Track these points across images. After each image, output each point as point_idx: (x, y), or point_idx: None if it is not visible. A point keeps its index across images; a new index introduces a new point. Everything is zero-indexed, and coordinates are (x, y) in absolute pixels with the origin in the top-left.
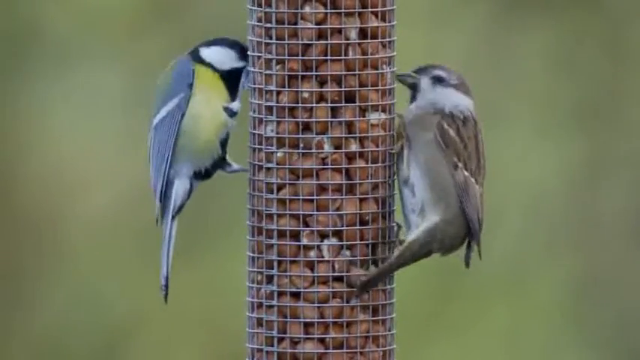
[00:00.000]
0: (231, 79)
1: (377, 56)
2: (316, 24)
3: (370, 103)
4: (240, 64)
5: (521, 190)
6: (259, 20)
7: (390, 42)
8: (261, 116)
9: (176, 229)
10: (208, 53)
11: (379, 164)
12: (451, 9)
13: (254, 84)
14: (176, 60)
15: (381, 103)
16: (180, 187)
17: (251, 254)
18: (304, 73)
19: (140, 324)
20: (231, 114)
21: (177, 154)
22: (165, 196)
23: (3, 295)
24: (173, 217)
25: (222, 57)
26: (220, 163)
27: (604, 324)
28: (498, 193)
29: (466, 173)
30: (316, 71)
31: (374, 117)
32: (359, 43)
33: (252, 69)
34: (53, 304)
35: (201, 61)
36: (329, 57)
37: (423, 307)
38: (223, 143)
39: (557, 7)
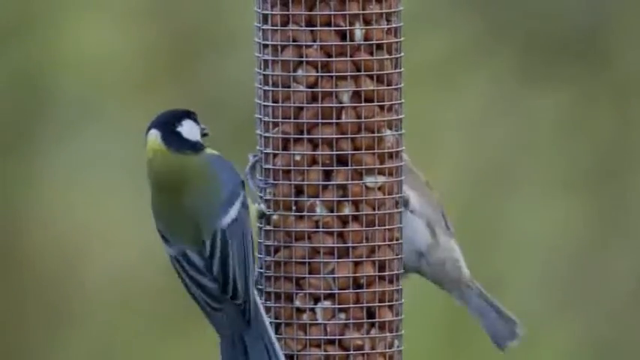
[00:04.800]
0: None
1: (373, 120)
2: (308, 87)
3: (365, 167)
4: None
5: (531, 250)
6: (259, 83)
7: (391, 105)
8: (261, 179)
9: None
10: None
11: (376, 227)
12: (462, 69)
13: (259, 146)
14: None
15: (378, 166)
16: None
17: None
18: (297, 136)
19: None
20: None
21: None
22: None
23: (15, 355)
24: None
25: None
26: None
27: None
28: (508, 252)
29: None
30: (308, 134)
31: (370, 180)
32: (353, 107)
33: (257, 131)
34: None
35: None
36: (320, 120)
37: None
38: None
39: (569, 68)
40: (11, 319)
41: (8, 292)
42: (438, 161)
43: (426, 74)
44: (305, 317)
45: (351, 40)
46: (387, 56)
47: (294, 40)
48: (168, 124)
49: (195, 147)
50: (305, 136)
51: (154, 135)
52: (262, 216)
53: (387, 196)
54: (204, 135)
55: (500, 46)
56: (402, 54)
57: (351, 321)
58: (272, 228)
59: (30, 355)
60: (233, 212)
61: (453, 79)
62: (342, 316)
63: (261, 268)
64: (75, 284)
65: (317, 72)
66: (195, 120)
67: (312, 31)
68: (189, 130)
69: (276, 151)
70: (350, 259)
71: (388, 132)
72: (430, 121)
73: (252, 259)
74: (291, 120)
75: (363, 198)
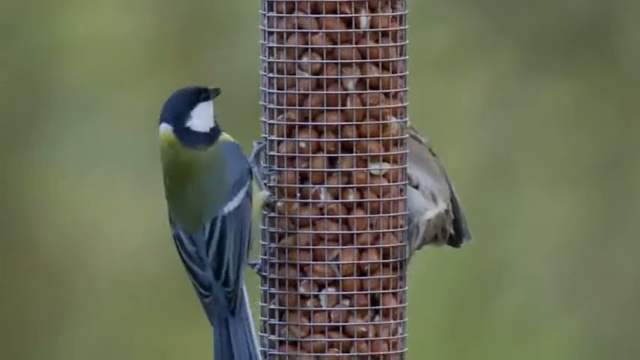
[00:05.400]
0: None
1: (378, 107)
2: (313, 74)
3: (370, 154)
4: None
5: (535, 245)
6: (264, 70)
7: (396, 93)
8: (265, 165)
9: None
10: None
11: (381, 214)
12: (465, 62)
13: (263, 134)
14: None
15: (383, 153)
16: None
17: (261, 304)
18: (302, 123)
19: None
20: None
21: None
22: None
23: (22, 350)
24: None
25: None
26: None
27: None
28: (512, 247)
29: None
30: (313, 121)
31: (374, 167)
32: (358, 94)
33: (262, 119)
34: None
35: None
36: (325, 107)
37: None
38: None
39: (573, 62)
40: (17, 310)
41: (14, 283)
42: (440, 155)
43: (430, 65)
44: (309, 304)
45: (357, 27)
46: (392, 44)
47: (299, 28)
48: (180, 119)
49: (209, 136)
50: (310, 123)
51: (166, 128)
52: (267, 205)
53: (391, 184)
54: (216, 95)
55: (504, 39)
56: (407, 41)
57: (355, 308)
58: (276, 215)
59: (36, 345)
60: (236, 201)
61: (456, 72)
62: (346, 302)
63: (265, 255)
64: (80, 275)
65: (322, 59)
66: (206, 97)
67: (317, 18)
68: (199, 118)
69: (281, 138)
70: (354, 246)
71: (393, 119)
72: (432, 114)
73: (248, 250)
74: (296, 107)
75: (368, 185)
